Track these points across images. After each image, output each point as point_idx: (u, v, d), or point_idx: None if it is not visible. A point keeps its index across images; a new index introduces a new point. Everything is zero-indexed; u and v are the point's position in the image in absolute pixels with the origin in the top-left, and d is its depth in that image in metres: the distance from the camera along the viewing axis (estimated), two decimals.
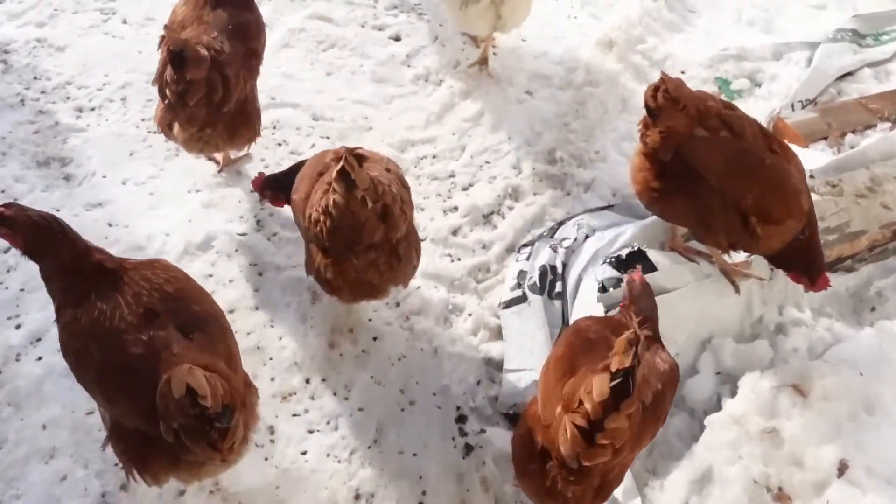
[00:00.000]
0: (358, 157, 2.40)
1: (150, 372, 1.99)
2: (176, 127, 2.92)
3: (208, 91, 2.81)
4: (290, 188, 2.82)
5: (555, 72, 4.29)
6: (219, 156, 3.51)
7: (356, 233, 2.49)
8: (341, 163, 2.33)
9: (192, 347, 2.09)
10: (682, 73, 4.41)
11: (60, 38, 4.01)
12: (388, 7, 4.51)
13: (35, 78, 3.83)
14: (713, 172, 2.67)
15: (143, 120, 3.71)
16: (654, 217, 3.22)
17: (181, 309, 2.19)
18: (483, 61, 4.19)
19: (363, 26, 4.37)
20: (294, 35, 4.23)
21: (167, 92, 2.78)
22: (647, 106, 2.66)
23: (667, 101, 2.61)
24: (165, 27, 2.84)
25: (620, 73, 4.29)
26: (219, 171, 3.53)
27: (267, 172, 3.22)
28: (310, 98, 3.92)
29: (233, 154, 3.50)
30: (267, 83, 3.84)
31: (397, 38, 4.35)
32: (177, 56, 2.69)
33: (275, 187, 3.06)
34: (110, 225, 3.29)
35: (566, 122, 3.99)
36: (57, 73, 3.86)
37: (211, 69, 2.79)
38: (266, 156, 3.63)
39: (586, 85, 4.17)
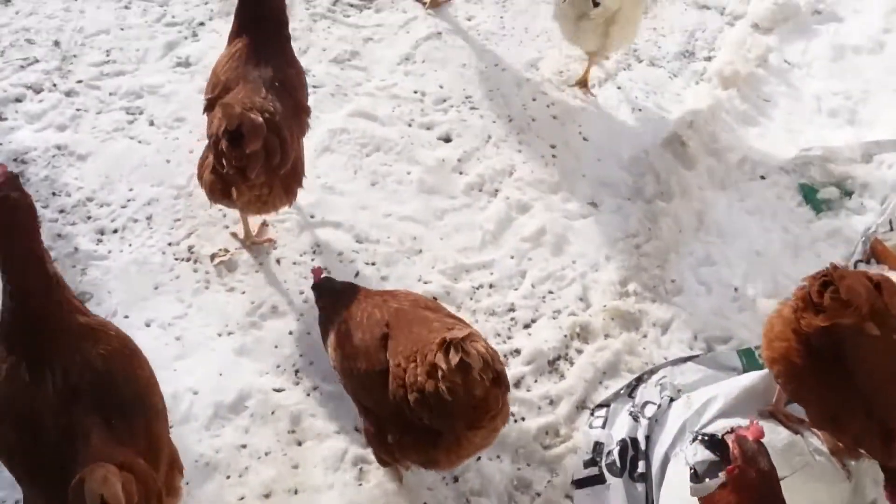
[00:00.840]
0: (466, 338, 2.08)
1: (64, 464, 1.85)
2: (234, 193, 2.86)
3: (267, 157, 2.72)
4: (335, 310, 2.63)
5: (621, 178, 3.89)
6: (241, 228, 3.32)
7: (477, 412, 2.16)
8: (457, 356, 2.02)
9: (111, 440, 1.93)
10: (762, 177, 3.99)
11: (82, 145, 3.67)
12: (436, 101, 4.13)
13: (54, 194, 3.49)
14: (871, 378, 2.25)
15: (169, 245, 3.35)
16: (748, 378, 2.81)
17: (107, 389, 2.01)
18: (584, 83, 4.29)
19: (410, 125, 4.00)
20: (335, 137, 3.86)
21: (224, 164, 2.70)
22: (808, 297, 2.26)
23: (836, 302, 2.19)
24: (220, 103, 2.73)
25: (694, 180, 3.87)
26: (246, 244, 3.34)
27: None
28: (352, 215, 3.54)
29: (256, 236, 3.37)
30: (307, 198, 3.49)
31: (447, 139, 3.97)
32: (235, 134, 2.60)
33: (326, 302, 2.78)
34: None
35: (637, 245, 3.57)
36: (78, 188, 3.52)
37: (268, 133, 2.69)
38: (305, 287, 3.25)
39: (657, 197, 3.75)
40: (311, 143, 3.75)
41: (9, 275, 2.01)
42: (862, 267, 3.40)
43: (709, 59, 4.72)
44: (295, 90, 3.07)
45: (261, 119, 2.67)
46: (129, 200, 3.50)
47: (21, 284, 2.00)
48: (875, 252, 3.53)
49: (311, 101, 3.81)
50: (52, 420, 1.91)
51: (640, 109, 4.29)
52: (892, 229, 3.66)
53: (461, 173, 3.81)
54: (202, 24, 4.37)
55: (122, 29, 4.24)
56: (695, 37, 4.87)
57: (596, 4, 3.75)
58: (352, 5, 4.67)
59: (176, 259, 3.31)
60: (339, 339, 2.54)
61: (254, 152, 2.65)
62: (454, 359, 2.03)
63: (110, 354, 2.05)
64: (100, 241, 3.35)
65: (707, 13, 5.07)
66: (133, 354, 2.15)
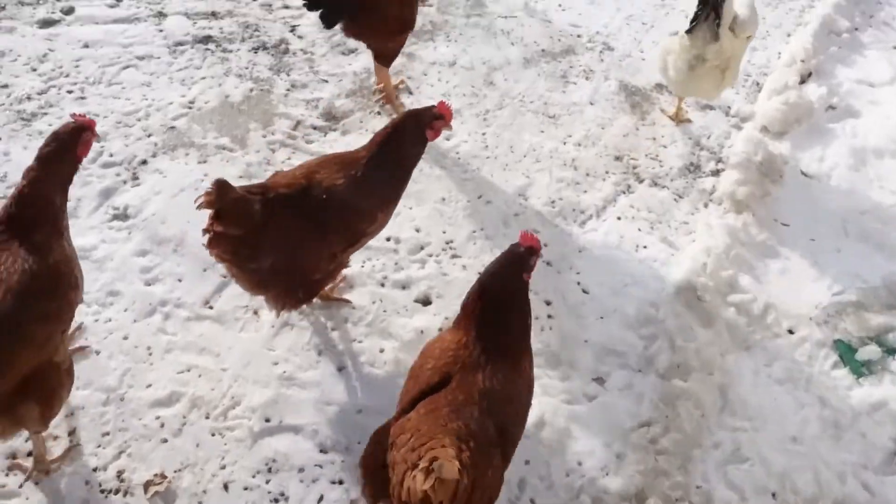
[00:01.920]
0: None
1: None
2: None
3: None
4: None
5: (629, 343, 3.36)
6: None
7: None
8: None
9: None
10: (790, 331, 3.47)
11: None
12: (412, 249, 3.60)
13: None
14: None
15: (94, 470, 2.78)
16: None
17: None
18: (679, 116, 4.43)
19: (382, 284, 3.45)
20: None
21: None
22: None
23: None
24: None
25: (713, 344, 3.34)
26: None
27: None
28: (316, 415, 2.98)
29: None
30: (261, 395, 2.95)
31: (426, 301, 3.42)
32: None
33: None
34: None
35: (653, 438, 3.03)
36: None
37: None
38: None
39: (673, 373, 3.22)
40: (267, 316, 3.22)
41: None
42: None
43: (716, 172, 4.23)
44: None
45: None
46: None
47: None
48: None
49: None
50: None
51: (644, 247, 3.77)
52: None
53: None
54: (144, 162, 3.82)
55: None
56: (699, 145, 4.38)
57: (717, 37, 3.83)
58: (315, 128, 4.15)
59: (102, 491, 2.74)
60: None
61: None
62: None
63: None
64: (7, 473, 2.77)
65: (711, 115, 4.59)
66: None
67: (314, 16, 4.65)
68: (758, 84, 4.83)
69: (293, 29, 4.75)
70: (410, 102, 4.33)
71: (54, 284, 2.34)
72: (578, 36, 5.00)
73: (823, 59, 5.02)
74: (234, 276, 2.89)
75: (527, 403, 2.44)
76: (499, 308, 2.44)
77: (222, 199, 2.56)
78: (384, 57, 4.10)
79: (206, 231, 2.64)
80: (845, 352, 3.39)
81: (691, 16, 3.89)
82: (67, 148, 2.46)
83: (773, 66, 4.96)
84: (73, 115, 2.54)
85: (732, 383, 3.24)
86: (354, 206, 2.87)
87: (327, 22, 3.87)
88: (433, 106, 3.01)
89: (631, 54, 4.92)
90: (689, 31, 3.89)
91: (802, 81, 4.84)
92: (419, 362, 2.48)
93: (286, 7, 4.90)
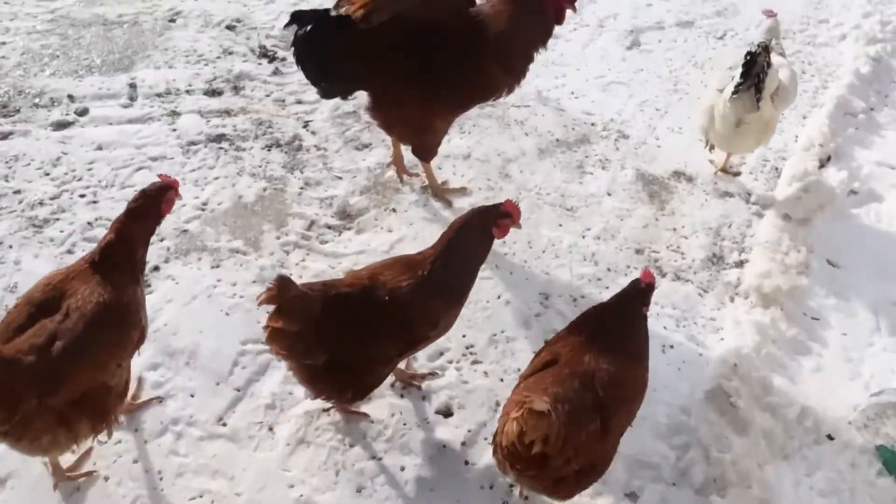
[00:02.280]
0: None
1: None
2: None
3: None
4: None
5: (661, 455, 3.19)
6: None
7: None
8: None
9: None
10: (830, 437, 3.31)
11: None
12: (431, 356, 3.48)
13: None
14: None
15: None
16: None
17: None
18: (726, 170, 4.66)
19: (402, 395, 3.32)
20: (312, 422, 3.18)
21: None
22: None
23: None
24: None
25: (750, 454, 3.18)
26: None
27: None
28: None
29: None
30: None
31: (447, 413, 3.29)
32: None
33: None
34: None
35: None
36: None
37: None
38: None
39: (710, 488, 3.05)
40: (283, 432, 3.10)
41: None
42: None
43: (740, 263, 4.12)
44: None
45: None
46: None
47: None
48: None
49: None
50: None
51: (671, 347, 3.64)
52: None
53: (468, 463, 3.11)
54: (156, 268, 3.75)
55: None
56: (720, 235, 4.29)
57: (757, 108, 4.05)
58: (329, 227, 4.09)
59: None
60: None
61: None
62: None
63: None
64: None
65: (731, 202, 4.52)
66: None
67: (328, 110, 4.68)
68: (777, 169, 4.77)
69: (306, 125, 4.74)
70: (425, 197, 4.28)
71: (120, 319, 2.64)
72: (593, 124, 4.97)
73: (841, 141, 4.97)
74: (289, 369, 2.91)
75: (636, 394, 2.71)
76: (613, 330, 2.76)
77: (283, 295, 2.59)
78: (419, 152, 4.06)
79: (265, 327, 2.72)
80: (889, 459, 3.22)
81: (736, 80, 4.06)
82: (153, 204, 2.79)
83: (791, 149, 4.91)
84: (160, 176, 2.88)
85: (773, 498, 3.07)
86: (416, 308, 2.85)
87: (325, 94, 3.83)
88: (500, 204, 3.00)
89: (646, 141, 4.88)
90: (731, 99, 4.07)
91: (822, 165, 4.78)
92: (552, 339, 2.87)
93: (299, 102, 4.91)
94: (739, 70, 4.04)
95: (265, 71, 5.15)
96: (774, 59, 4.12)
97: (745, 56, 4.02)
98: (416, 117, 3.82)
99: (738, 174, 4.69)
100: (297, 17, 3.42)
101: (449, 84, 3.61)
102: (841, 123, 5.10)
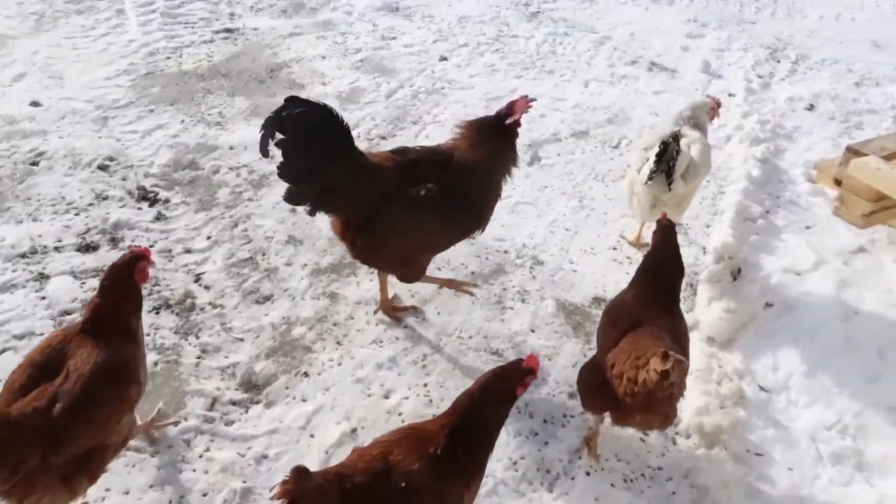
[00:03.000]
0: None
1: None
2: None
3: None
4: None
5: None
6: None
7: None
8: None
9: None
10: None
11: None
12: None
13: None
14: None
15: None
16: None
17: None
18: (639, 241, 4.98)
19: None
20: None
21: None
22: None
23: None
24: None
25: None
26: None
27: None
28: None
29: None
30: None
31: None
32: None
33: None
34: None
35: None
36: None
37: None
38: None
39: None
40: None
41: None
42: None
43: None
44: None
45: None
46: None
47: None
48: None
49: None
50: None
51: (674, 493, 3.39)
52: None
53: None
54: None
55: None
56: None
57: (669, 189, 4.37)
58: (234, 403, 3.64)
59: None
60: None
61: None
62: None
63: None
64: None
65: None
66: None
67: (220, 258, 4.28)
68: (692, 286, 4.71)
69: (198, 278, 4.29)
70: (340, 354, 3.92)
71: (118, 375, 2.78)
72: (506, 252, 4.79)
73: (748, 250, 5.00)
74: None
75: (687, 342, 3.36)
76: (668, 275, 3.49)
77: (300, 487, 2.35)
78: (407, 278, 3.96)
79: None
80: None
81: (650, 166, 4.38)
82: (124, 278, 2.88)
83: (702, 263, 4.89)
84: (130, 246, 3.01)
85: None
86: (436, 492, 2.58)
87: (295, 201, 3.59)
88: (520, 360, 2.77)
89: (562, 266, 4.73)
90: (646, 183, 4.39)
91: (734, 278, 4.76)
92: (612, 315, 3.44)
93: (188, 251, 4.46)
94: (654, 155, 4.37)
95: (146, 217, 4.68)
96: (688, 133, 4.58)
97: (660, 146, 4.36)
98: (406, 251, 3.78)
99: (647, 245, 4.70)
100: (305, 103, 3.33)
101: (451, 219, 3.73)
102: (743, 231, 5.15)
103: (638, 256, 4.82)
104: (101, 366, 2.71)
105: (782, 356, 4.28)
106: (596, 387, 3.27)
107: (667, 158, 4.33)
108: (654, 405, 3.00)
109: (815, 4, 9.41)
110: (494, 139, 3.80)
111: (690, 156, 4.43)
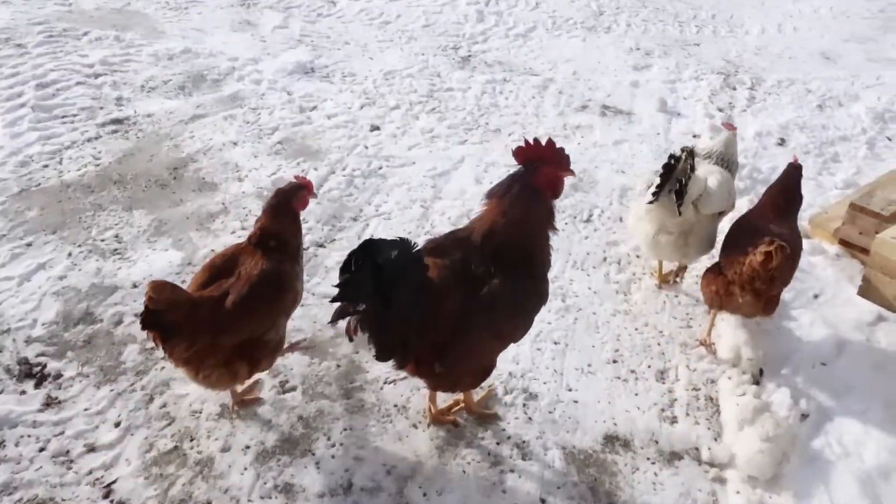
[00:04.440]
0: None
1: None
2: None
3: None
4: None
5: None
6: None
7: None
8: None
9: None
10: None
11: None
12: None
13: None
14: None
15: None
16: None
17: None
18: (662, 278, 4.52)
19: None
20: None
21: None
22: None
23: None
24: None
25: None
26: None
27: None
28: None
29: None
30: None
31: None
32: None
33: None
34: None
35: None
36: None
37: None
38: None
39: None
40: None
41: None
42: None
43: None
44: None
45: None
46: None
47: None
48: None
49: None
50: None
51: None
52: None
53: None
54: None
55: None
56: None
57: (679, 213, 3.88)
58: None
59: None
60: None
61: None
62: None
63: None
64: None
65: (683, 468, 3.68)
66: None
67: (135, 455, 3.34)
68: (712, 399, 3.98)
69: (109, 490, 3.30)
70: None
71: (278, 283, 3.24)
72: (490, 387, 3.94)
73: (762, 342, 4.30)
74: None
75: (800, 252, 4.01)
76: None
77: None
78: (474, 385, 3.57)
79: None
80: None
81: (654, 184, 3.86)
82: (285, 203, 3.36)
83: (714, 365, 4.16)
84: (295, 176, 3.48)
85: None
86: None
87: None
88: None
89: (559, 397, 3.93)
90: (651, 202, 3.89)
91: (757, 382, 4.06)
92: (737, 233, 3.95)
93: (92, 450, 3.46)
94: (661, 168, 3.85)
95: (32, 405, 3.64)
96: (707, 167, 4.05)
97: (668, 159, 3.86)
98: (494, 353, 3.39)
99: (677, 282, 4.59)
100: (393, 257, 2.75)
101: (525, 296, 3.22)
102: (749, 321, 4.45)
103: (645, 373, 4.07)
104: (265, 272, 3.17)
105: (836, 486, 3.59)
106: (713, 276, 3.84)
107: (677, 175, 3.78)
108: (757, 286, 3.60)
109: (753, 17, 8.93)
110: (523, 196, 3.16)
111: (705, 181, 3.91)
